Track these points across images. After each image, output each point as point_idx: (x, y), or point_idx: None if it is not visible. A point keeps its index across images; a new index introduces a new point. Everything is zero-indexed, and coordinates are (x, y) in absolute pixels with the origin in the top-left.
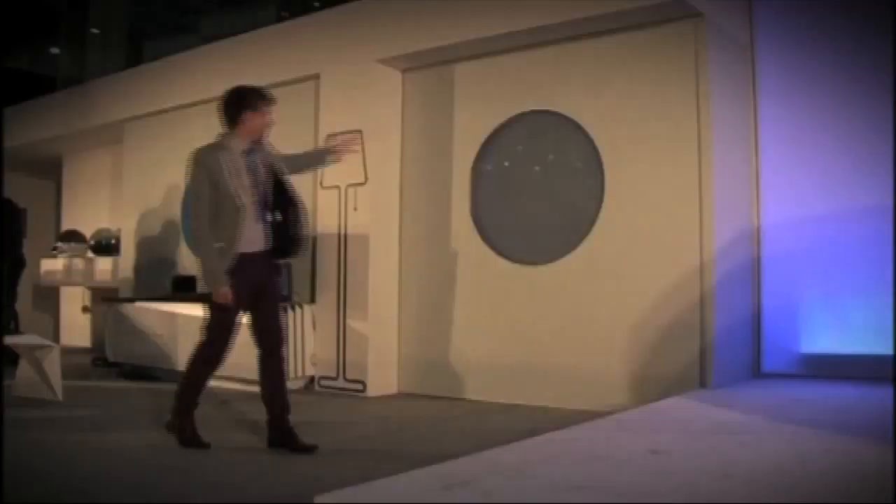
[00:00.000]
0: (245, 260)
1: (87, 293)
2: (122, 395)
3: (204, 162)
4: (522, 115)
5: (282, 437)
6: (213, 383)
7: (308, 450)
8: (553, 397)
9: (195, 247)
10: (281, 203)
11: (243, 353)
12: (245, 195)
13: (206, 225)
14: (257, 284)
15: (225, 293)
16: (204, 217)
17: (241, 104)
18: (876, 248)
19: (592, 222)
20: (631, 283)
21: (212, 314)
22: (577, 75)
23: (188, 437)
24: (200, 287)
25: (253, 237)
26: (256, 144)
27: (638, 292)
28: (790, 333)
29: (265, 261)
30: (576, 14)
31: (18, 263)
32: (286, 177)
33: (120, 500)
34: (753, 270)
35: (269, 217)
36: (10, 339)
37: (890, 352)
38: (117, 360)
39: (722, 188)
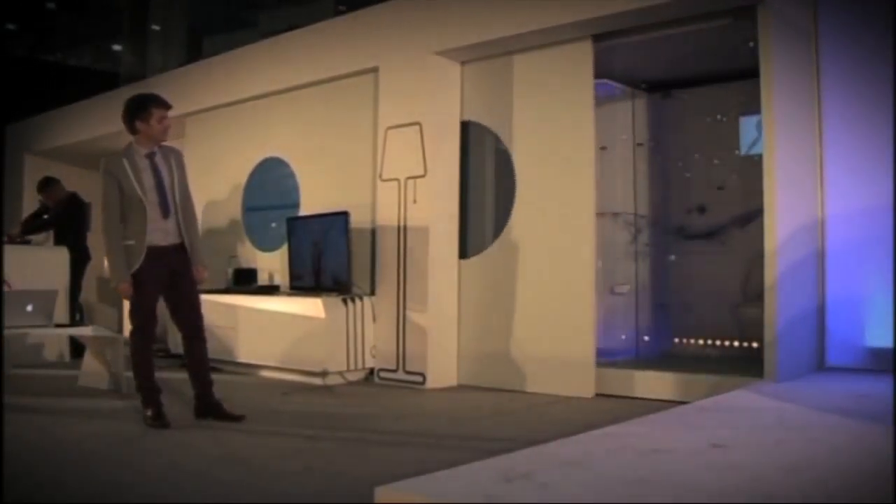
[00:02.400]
0: (155, 252)
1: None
2: (182, 386)
3: (110, 169)
4: None
5: (208, 409)
6: (273, 375)
7: (235, 419)
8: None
9: (105, 245)
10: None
11: (303, 345)
12: (148, 195)
13: (113, 226)
14: (170, 274)
15: (125, 288)
16: (112, 219)
17: (133, 114)
18: None
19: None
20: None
21: (133, 303)
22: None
23: (162, 421)
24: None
25: (164, 231)
26: (161, 148)
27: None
28: (855, 326)
29: (177, 252)
30: (637, 4)
31: (83, 257)
32: (180, 182)
33: (180, 489)
34: (818, 262)
35: (172, 214)
36: (75, 331)
37: None
38: (179, 352)
39: (785, 178)
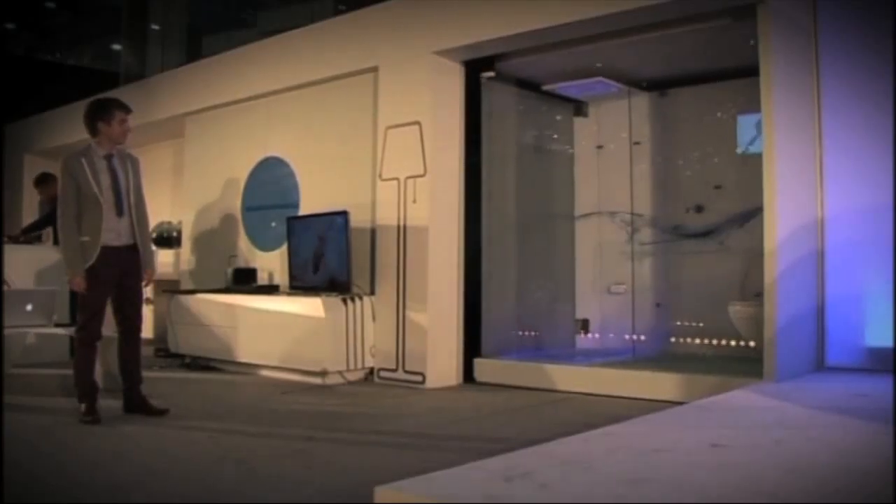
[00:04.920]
0: (108, 252)
1: (150, 285)
2: (183, 385)
3: (68, 167)
4: None
5: (136, 404)
6: (273, 374)
7: (160, 413)
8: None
9: (60, 240)
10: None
11: (303, 345)
12: (104, 194)
13: (69, 221)
14: (120, 273)
15: (78, 281)
16: (68, 215)
17: (95, 116)
18: None
19: None
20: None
21: (82, 299)
22: None
23: (94, 417)
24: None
25: (116, 231)
26: (118, 152)
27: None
28: (855, 326)
29: (129, 253)
30: (635, 3)
31: None
32: (135, 186)
33: (177, 490)
34: (817, 262)
35: (126, 214)
36: (73, 331)
37: None
38: (179, 352)
39: (784, 178)
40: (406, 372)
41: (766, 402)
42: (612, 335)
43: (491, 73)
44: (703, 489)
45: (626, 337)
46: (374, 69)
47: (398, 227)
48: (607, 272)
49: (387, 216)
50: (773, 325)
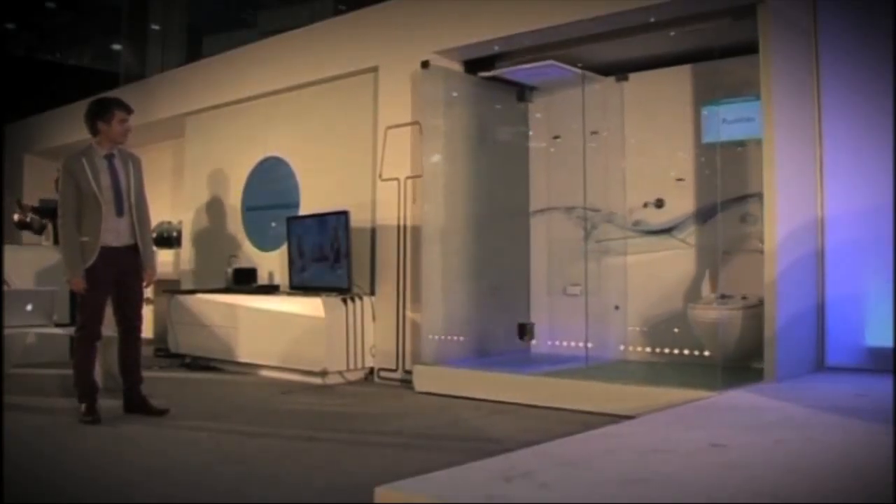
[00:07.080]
0: (107, 252)
1: (150, 286)
2: (183, 385)
3: (68, 167)
4: None
5: (136, 404)
6: (273, 374)
7: (160, 413)
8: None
9: (59, 240)
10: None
11: (303, 345)
12: (104, 194)
13: (69, 222)
14: (120, 273)
15: (77, 282)
16: (68, 215)
17: (95, 115)
18: None
19: None
20: None
21: (82, 299)
22: None
23: (94, 417)
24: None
25: (116, 231)
26: (120, 151)
27: None
28: (856, 326)
29: (128, 253)
30: (636, 3)
31: None
32: (136, 185)
33: (177, 490)
34: (818, 262)
35: (126, 214)
36: (73, 331)
37: None
38: (179, 351)
39: (784, 178)
40: (406, 372)
41: (766, 402)
42: (564, 341)
43: (489, 73)
44: (702, 489)
45: (576, 343)
46: (374, 69)
47: (398, 227)
48: (564, 272)
49: (386, 216)
50: (774, 324)
